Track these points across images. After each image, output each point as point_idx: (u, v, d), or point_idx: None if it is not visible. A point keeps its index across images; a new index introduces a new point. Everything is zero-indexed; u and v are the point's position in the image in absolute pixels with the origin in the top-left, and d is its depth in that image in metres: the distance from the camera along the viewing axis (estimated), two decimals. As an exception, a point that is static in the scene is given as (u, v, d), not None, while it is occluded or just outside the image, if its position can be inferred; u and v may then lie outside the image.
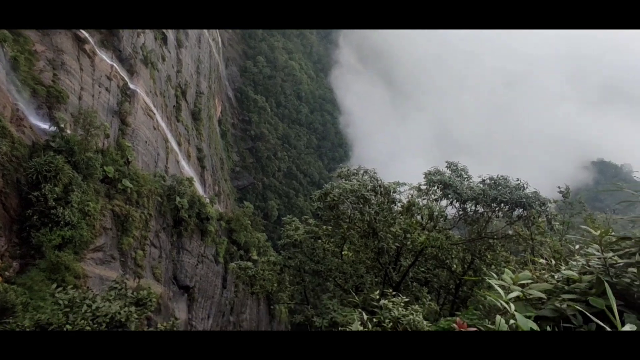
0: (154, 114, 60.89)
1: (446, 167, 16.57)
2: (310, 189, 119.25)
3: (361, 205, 16.19)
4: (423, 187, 16.49)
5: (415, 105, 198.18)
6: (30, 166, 33.36)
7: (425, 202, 16.29)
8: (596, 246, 5.06)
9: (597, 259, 5.17)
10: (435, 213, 15.33)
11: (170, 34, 75.25)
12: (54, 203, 33.39)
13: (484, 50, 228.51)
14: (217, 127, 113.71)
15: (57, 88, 40.45)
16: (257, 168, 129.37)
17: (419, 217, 16.77)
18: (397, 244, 16.79)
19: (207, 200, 63.88)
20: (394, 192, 16.82)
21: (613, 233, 5.49)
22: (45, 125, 37.95)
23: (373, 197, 16.44)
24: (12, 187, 31.89)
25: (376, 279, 17.72)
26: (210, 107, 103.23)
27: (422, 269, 18.11)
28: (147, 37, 63.85)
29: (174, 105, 73.97)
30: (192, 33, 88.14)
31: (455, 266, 16.72)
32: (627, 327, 3.69)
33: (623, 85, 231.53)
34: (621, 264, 4.83)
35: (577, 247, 6.46)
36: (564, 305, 4.52)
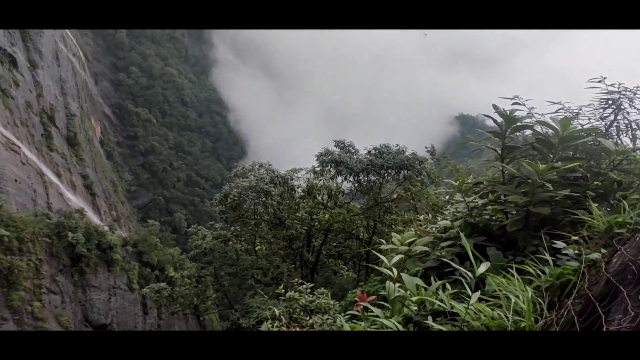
0: (19, 147, 54.11)
1: (335, 145, 17.33)
2: (215, 192, 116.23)
3: (263, 199, 16.30)
4: (318, 169, 17.09)
5: (299, 91, 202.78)
6: None
7: (322, 182, 16.91)
8: (460, 194, 5.76)
9: (462, 205, 5.90)
10: (333, 191, 16.01)
11: (19, 54, 66.97)
12: None
13: (349, 32, 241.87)
14: (100, 148, 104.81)
15: None
16: (154, 183, 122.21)
17: (320, 198, 17.39)
18: (305, 228, 17.24)
19: (106, 228, 58.99)
20: (292, 179, 17.20)
21: (469, 180, 6.26)
22: None
23: (273, 189, 16.64)
24: None
25: (292, 265, 18.06)
26: (87, 128, 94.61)
27: (334, 244, 18.88)
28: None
29: (42, 134, 66.36)
30: (47, 51, 79.34)
31: (362, 234, 17.70)
32: (489, 258, 4.25)
33: (466, 48, 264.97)
34: (479, 205, 5.57)
35: (447, 197, 7.25)
36: (443, 253, 5.09)
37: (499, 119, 4.45)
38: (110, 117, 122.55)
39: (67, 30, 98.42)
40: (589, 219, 3.79)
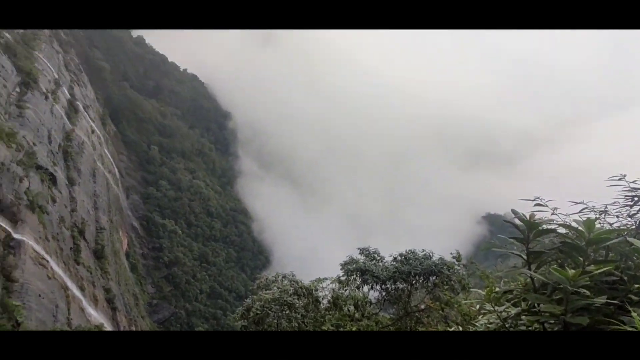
0: (47, 261, 55.25)
1: (359, 253, 17.06)
2: (238, 305, 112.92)
3: (287, 312, 15.70)
4: (343, 278, 16.64)
5: (321, 198, 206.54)
6: None
7: (348, 292, 16.34)
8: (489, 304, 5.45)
9: (494, 315, 5.54)
10: (360, 301, 15.40)
11: (60, 172, 71.93)
12: None
13: (367, 138, 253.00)
14: (125, 261, 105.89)
15: None
16: (176, 296, 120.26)
17: (346, 309, 16.64)
18: (330, 342, 16.22)
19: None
20: (316, 290, 16.70)
21: (498, 288, 5.95)
22: None
23: (297, 301, 16.11)
24: None
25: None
26: (115, 241, 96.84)
27: (362, 361, 17.50)
28: (32, 181, 60.16)
29: (70, 248, 68.08)
30: (85, 169, 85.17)
31: (392, 349, 16.46)
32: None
33: (483, 148, 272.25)
34: (512, 315, 5.22)
35: (477, 306, 6.85)
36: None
37: (521, 224, 4.39)
38: (138, 229, 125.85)
39: (105, 149, 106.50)
40: (633, 328, 3.49)
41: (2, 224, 48.94)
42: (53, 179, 68.52)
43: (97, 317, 65.00)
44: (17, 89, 73.31)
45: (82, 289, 65.03)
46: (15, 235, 50.33)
